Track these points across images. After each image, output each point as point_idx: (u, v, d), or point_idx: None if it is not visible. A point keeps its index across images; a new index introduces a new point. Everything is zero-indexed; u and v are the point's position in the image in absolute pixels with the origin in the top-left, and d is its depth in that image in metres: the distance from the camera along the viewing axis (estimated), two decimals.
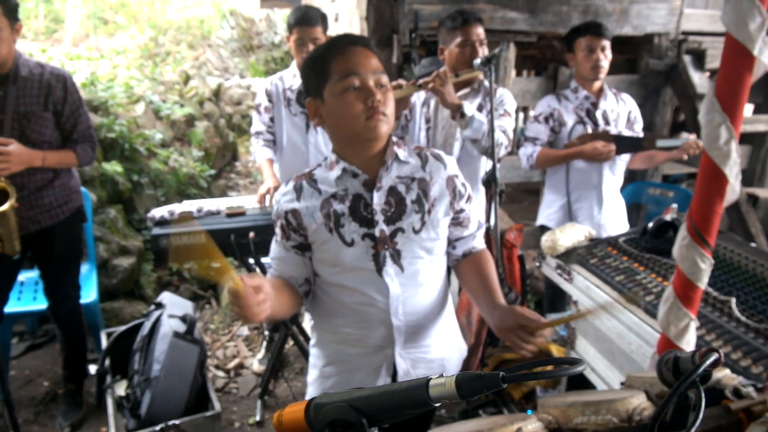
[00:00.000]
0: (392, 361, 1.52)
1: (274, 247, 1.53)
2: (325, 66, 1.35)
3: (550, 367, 0.77)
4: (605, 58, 2.71)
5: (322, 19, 2.86)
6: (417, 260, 1.47)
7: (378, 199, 1.42)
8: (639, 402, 1.11)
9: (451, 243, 1.60)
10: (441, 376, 0.61)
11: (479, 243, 1.65)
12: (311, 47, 2.85)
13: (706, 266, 1.37)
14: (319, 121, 1.43)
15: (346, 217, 1.42)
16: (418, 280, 1.49)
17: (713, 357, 0.70)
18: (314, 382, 1.63)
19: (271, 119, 3.05)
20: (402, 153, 1.46)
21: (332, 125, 1.40)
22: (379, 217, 1.42)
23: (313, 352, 1.64)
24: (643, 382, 1.20)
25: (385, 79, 1.37)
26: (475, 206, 1.63)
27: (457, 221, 1.56)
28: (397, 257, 1.44)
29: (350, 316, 1.50)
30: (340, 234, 1.41)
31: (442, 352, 1.61)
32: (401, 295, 1.46)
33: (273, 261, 1.53)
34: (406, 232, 1.43)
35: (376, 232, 1.42)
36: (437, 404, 0.60)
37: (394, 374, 1.54)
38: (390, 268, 1.44)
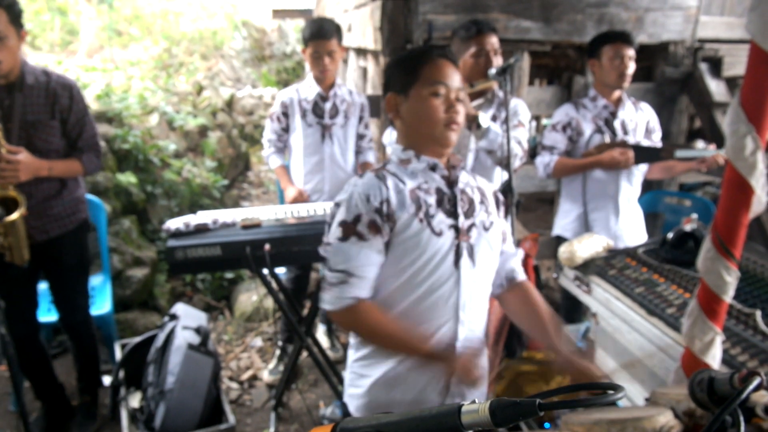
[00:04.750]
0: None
1: (357, 251, 1.43)
2: (417, 68, 1.48)
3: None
4: (631, 67, 2.69)
5: (336, 31, 2.88)
6: (486, 258, 1.55)
7: (459, 193, 1.52)
8: (666, 420, 1.08)
9: None
10: (473, 402, 0.59)
11: (520, 270, 1.70)
12: (327, 60, 2.88)
13: (731, 279, 1.34)
14: (395, 116, 1.53)
15: (434, 208, 1.48)
16: (484, 279, 1.57)
17: (756, 381, 0.67)
18: (365, 394, 1.58)
19: (284, 129, 3.09)
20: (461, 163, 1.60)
21: (411, 122, 1.51)
22: (460, 211, 1.50)
23: (366, 363, 1.59)
24: (669, 399, 1.17)
25: (463, 94, 1.51)
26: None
27: None
28: (471, 251, 1.51)
29: (419, 314, 1.49)
30: (431, 225, 1.46)
31: (485, 362, 1.65)
32: (470, 290, 1.52)
33: (357, 268, 1.43)
34: (478, 228, 1.53)
35: (459, 224, 1.50)
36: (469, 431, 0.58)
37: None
38: (465, 260, 1.50)
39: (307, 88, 3.03)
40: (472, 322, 1.54)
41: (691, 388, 0.83)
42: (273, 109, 3.10)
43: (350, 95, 3.08)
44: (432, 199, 1.48)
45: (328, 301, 1.47)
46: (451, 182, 1.53)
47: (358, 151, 3.17)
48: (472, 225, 1.52)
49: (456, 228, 1.49)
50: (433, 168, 1.51)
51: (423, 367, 1.48)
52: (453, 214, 1.50)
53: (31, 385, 2.77)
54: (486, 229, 1.54)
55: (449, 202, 1.50)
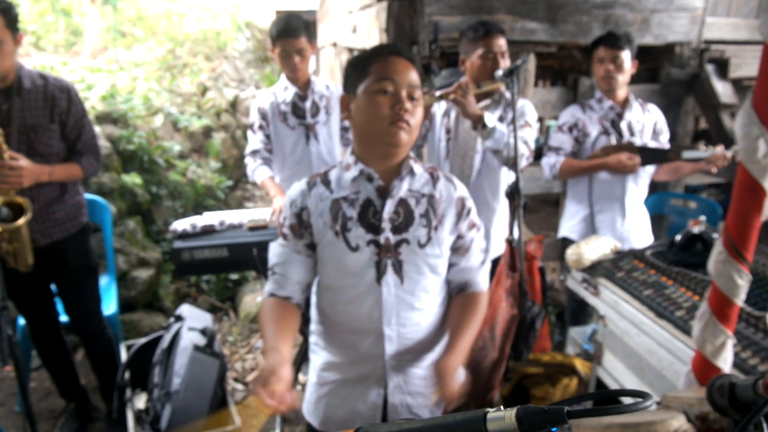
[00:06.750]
0: (383, 373, 1.52)
1: (280, 250, 1.51)
2: (366, 66, 1.42)
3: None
4: (617, 70, 2.68)
5: (305, 28, 2.74)
6: (419, 276, 1.48)
7: (388, 207, 1.45)
8: (679, 424, 1.07)
9: (448, 268, 1.57)
10: (499, 409, 0.58)
11: (482, 282, 1.62)
12: (297, 59, 2.76)
13: (743, 282, 1.34)
14: (347, 116, 1.48)
15: (353, 222, 1.44)
16: (417, 295, 1.49)
17: None
18: (313, 385, 1.65)
19: (267, 137, 2.95)
20: (417, 168, 1.50)
21: (358, 122, 1.45)
22: (386, 225, 1.44)
23: (315, 355, 1.65)
24: (681, 403, 1.16)
25: (418, 93, 1.43)
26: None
27: (455, 246, 1.55)
28: (398, 267, 1.46)
29: (344, 322, 1.51)
30: (346, 238, 1.44)
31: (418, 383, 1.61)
32: (395, 307, 1.47)
33: (278, 266, 1.50)
34: (411, 244, 1.46)
35: (381, 240, 1.44)
36: None
37: (385, 387, 1.54)
38: (390, 277, 1.46)
39: (283, 91, 2.90)
40: (403, 337, 1.49)
41: (709, 393, 0.82)
42: (252, 120, 2.95)
43: (327, 89, 2.95)
44: (353, 213, 1.44)
45: None
46: (385, 193, 1.45)
47: (346, 144, 3.06)
48: (403, 240, 1.45)
49: (377, 243, 1.44)
50: (369, 178, 1.45)
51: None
52: (376, 228, 1.44)
53: (56, 385, 2.81)
54: (421, 245, 1.46)
55: (374, 216, 1.44)
